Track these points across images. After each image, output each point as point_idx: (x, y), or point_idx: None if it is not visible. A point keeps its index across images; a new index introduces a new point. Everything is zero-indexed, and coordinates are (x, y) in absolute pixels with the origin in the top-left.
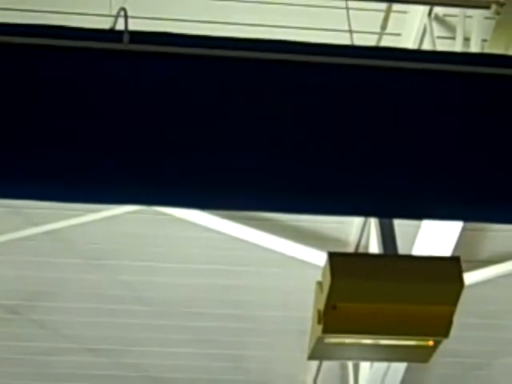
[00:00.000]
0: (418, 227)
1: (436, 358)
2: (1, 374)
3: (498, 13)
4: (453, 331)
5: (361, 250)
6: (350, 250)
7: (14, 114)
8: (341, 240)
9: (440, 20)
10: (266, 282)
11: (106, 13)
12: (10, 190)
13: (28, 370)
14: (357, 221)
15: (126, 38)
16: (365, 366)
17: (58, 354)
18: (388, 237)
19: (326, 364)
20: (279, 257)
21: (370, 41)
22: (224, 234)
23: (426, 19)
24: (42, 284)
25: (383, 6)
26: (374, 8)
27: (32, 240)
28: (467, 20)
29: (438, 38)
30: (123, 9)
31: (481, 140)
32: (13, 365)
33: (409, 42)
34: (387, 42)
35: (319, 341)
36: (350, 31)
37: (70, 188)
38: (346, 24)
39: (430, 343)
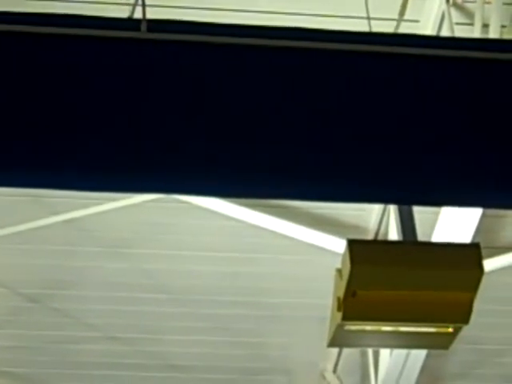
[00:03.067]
0: (438, 214)
1: (456, 344)
2: (23, 363)
3: None
4: (473, 318)
5: (380, 237)
6: (370, 237)
7: (34, 102)
8: (360, 227)
9: (458, 6)
10: (286, 270)
11: (124, 1)
12: (31, 179)
13: (50, 359)
14: (376, 208)
15: (143, 26)
16: (385, 353)
17: (79, 342)
18: (407, 224)
19: (345, 351)
20: (299, 244)
21: (388, 27)
22: (244, 222)
23: (444, 5)
24: (63, 273)
25: None
26: None
27: (52, 229)
28: (486, 6)
29: (457, 24)
30: None
31: (500, 126)
32: (34, 353)
33: (427, 29)
34: (405, 28)
35: (339, 328)
36: (368, 18)
37: (89, 176)
38: (364, 11)
39: (450, 330)
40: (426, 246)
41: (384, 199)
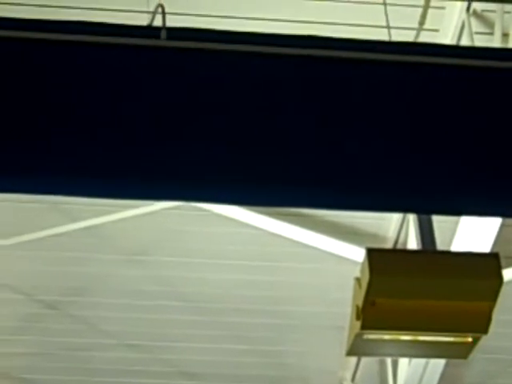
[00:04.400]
0: (457, 223)
1: (475, 354)
2: (38, 369)
3: None
4: (492, 327)
5: (399, 246)
6: (389, 246)
7: (55, 108)
8: (379, 236)
9: (478, 15)
10: (304, 278)
11: (144, 9)
12: (51, 186)
13: (66, 365)
14: (395, 217)
15: (163, 34)
16: (403, 362)
17: (95, 349)
18: (427, 233)
19: (364, 360)
20: (317, 252)
21: (407, 37)
22: (262, 230)
23: (464, 15)
24: (81, 279)
25: (421, 1)
26: (412, 4)
27: (71, 236)
28: (505, 15)
29: (476, 33)
30: (161, 5)
31: None
32: (50, 360)
33: (447, 38)
34: (425, 37)
35: (358, 337)
36: (388, 27)
37: (109, 183)
38: (384, 20)
39: (469, 339)
40: (445, 255)
41: (401, 208)
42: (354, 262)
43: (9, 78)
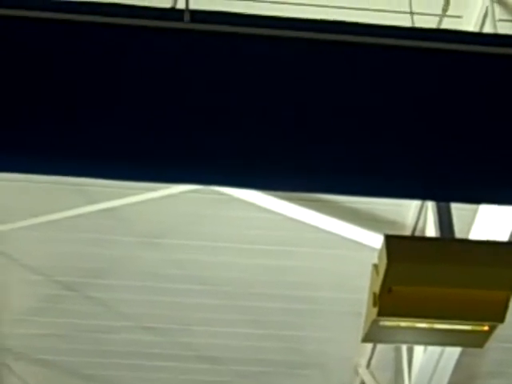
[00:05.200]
0: (476, 211)
1: (491, 343)
2: (56, 351)
3: None
4: (508, 316)
5: (417, 233)
6: (407, 232)
7: (74, 90)
8: (397, 223)
9: (502, 3)
10: (322, 264)
11: None
12: (71, 168)
13: (83, 347)
14: (414, 204)
15: (186, 16)
16: (419, 349)
17: (113, 331)
18: (445, 220)
19: (380, 347)
20: (335, 238)
21: (430, 23)
22: (281, 215)
23: (487, 2)
24: (100, 261)
25: None
26: None
27: (90, 218)
28: None
29: (500, 20)
30: None
31: None
32: (68, 341)
33: (470, 25)
34: (448, 24)
35: (374, 323)
36: (411, 13)
37: (131, 167)
38: (407, 6)
39: (486, 328)
40: (463, 243)
41: (419, 195)
42: (373, 249)
43: (32, 60)
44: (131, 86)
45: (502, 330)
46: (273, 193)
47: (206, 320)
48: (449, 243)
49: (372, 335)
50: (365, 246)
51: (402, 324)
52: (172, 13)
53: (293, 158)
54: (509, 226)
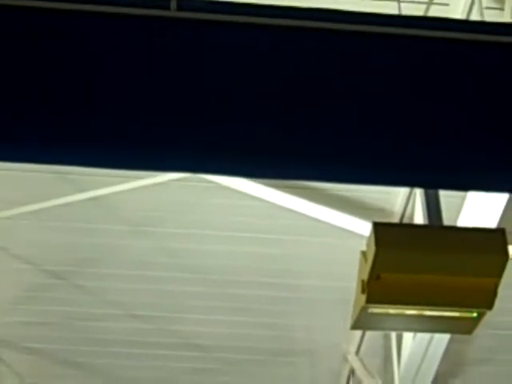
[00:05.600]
0: (464, 198)
1: (479, 329)
2: (46, 339)
3: None
4: (497, 303)
5: (406, 221)
6: (395, 220)
7: (64, 82)
8: (386, 210)
9: None
10: (310, 251)
11: None
12: (56, 156)
13: (73, 335)
14: (402, 191)
15: (173, 5)
16: (408, 336)
17: (102, 319)
18: (433, 208)
19: (369, 334)
20: (323, 226)
21: (417, 10)
22: (268, 203)
23: None
24: (88, 250)
25: None
26: None
27: (77, 206)
28: None
29: (487, 8)
30: None
31: None
32: (57, 330)
33: (457, 13)
34: (435, 12)
35: (363, 311)
36: (398, 1)
37: (115, 154)
38: None
39: (474, 315)
40: (451, 231)
41: (407, 182)
42: (361, 236)
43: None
44: (116, 74)
45: (490, 316)
46: (261, 181)
47: (195, 308)
48: (437, 230)
49: (361, 322)
50: (353, 233)
51: (391, 311)
52: (159, 1)
53: (281, 146)
54: (497, 213)
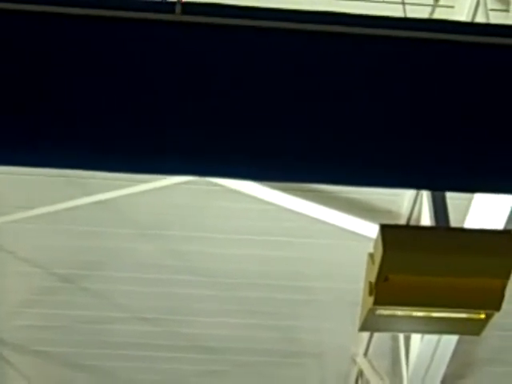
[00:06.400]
0: (471, 200)
1: (487, 331)
2: (54, 342)
3: None
4: (504, 304)
5: (413, 223)
6: (402, 222)
7: (69, 84)
8: (393, 212)
9: None
10: (318, 254)
11: None
12: (65, 160)
13: (80, 338)
14: (409, 193)
15: (178, 8)
16: (416, 338)
17: (110, 322)
18: (440, 209)
19: (376, 336)
20: (331, 228)
21: (422, 13)
22: (276, 206)
23: None
24: (95, 253)
25: None
26: None
27: (85, 210)
28: None
29: (492, 10)
30: None
31: None
32: (66, 333)
33: (462, 15)
34: (440, 14)
35: (370, 312)
36: (403, 3)
37: (122, 158)
38: None
39: (482, 316)
40: (458, 232)
41: (414, 185)
42: (368, 238)
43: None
44: (121, 77)
45: (498, 318)
46: (268, 183)
47: (203, 310)
48: (444, 232)
49: (369, 324)
50: (360, 235)
51: (399, 313)
52: (163, 4)
53: (292, 148)
54: (503, 215)
